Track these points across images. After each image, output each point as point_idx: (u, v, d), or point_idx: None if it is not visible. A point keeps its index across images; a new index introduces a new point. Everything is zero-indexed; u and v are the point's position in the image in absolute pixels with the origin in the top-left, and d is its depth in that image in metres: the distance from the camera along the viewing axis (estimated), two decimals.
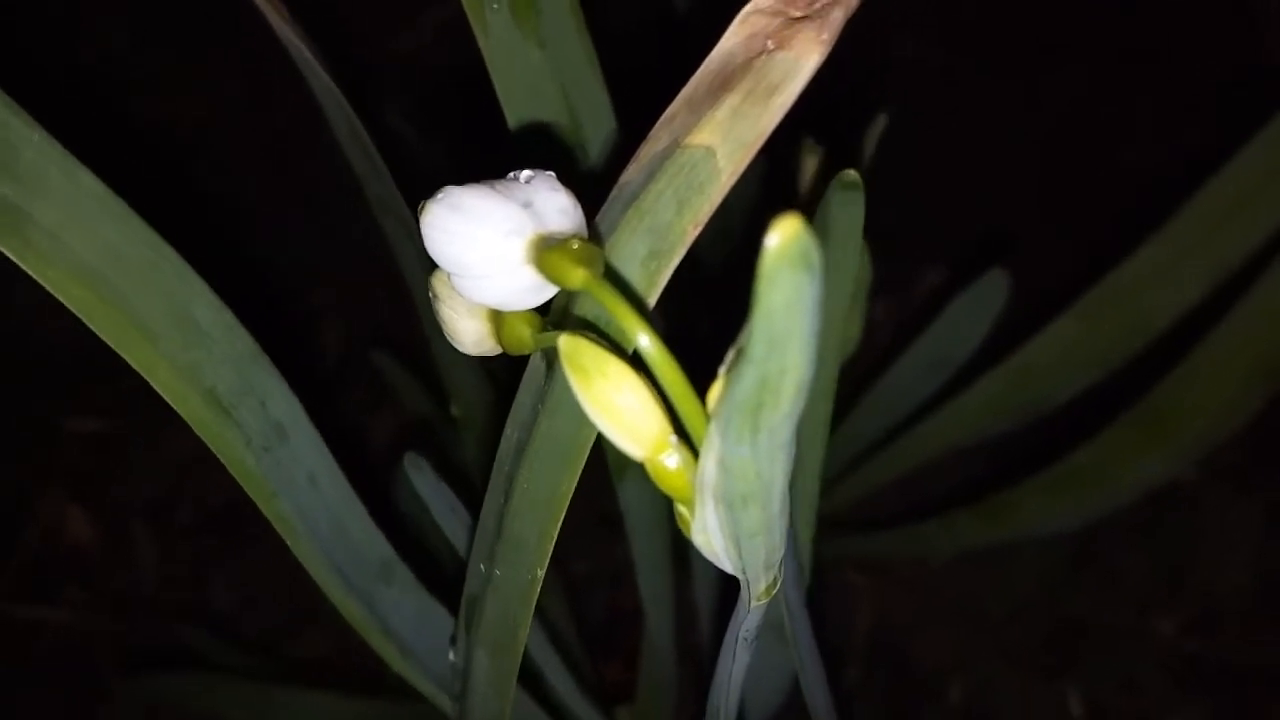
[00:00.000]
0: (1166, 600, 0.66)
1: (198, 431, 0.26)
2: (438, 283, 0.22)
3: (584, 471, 0.22)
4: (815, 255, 0.13)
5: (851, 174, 0.27)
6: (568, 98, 0.33)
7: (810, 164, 0.44)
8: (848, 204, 0.28)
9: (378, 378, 0.68)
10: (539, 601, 0.26)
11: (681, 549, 0.49)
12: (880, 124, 0.42)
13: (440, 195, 0.19)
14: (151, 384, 0.24)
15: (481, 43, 0.31)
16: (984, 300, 0.54)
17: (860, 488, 0.65)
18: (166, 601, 0.69)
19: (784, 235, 0.13)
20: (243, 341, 0.27)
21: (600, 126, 0.34)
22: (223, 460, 0.27)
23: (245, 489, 0.28)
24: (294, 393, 0.29)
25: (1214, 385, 0.50)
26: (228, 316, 0.26)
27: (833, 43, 0.17)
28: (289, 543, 0.30)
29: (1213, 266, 0.50)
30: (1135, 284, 0.52)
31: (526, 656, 0.34)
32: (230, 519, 0.71)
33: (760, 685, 0.42)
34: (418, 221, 0.43)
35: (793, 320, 0.14)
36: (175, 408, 0.25)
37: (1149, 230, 0.51)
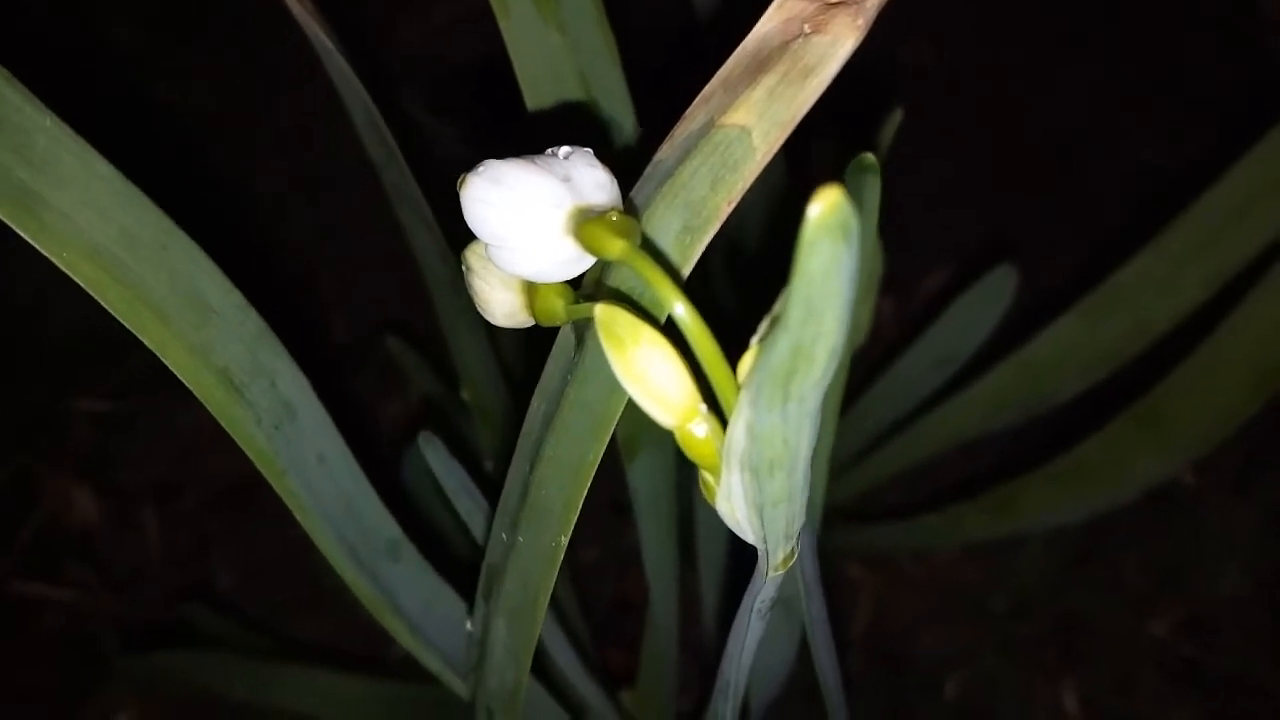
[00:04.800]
0: (1163, 601, 0.67)
1: (210, 409, 0.26)
2: (471, 255, 0.22)
3: None
4: (854, 225, 0.14)
5: (869, 157, 0.27)
6: (586, 83, 0.34)
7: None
8: (864, 187, 0.28)
9: (387, 363, 0.68)
10: None
11: (688, 538, 0.50)
12: (896, 118, 0.42)
13: (481, 168, 0.19)
14: (165, 362, 0.25)
15: (502, 25, 0.31)
16: (991, 297, 0.55)
17: (864, 480, 0.65)
18: (170, 581, 0.70)
19: (825, 205, 0.14)
20: (252, 322, 0.27)
21: (618, 112, 0.35)
22: (234, 437, 0.27)
23: (257, 466, 0.28)
24: (303, 373, 0.29)
25: (1213, 386, 0.50)
26: (237, 297, 0.27)
27: (868, 28, 0.18)
28: (299, 518, 0.30)
29: (1214, 270, 0.51)
30: (1138, 285, 0.53)
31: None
32: (235, 500, 0.72)
33: (765, 665, 0.42)
34: (432, 207, 0.43)
35: (830, 287, 0.14)
36: (189, 385, 0.25)
37: (1155, 230, 0.52)
